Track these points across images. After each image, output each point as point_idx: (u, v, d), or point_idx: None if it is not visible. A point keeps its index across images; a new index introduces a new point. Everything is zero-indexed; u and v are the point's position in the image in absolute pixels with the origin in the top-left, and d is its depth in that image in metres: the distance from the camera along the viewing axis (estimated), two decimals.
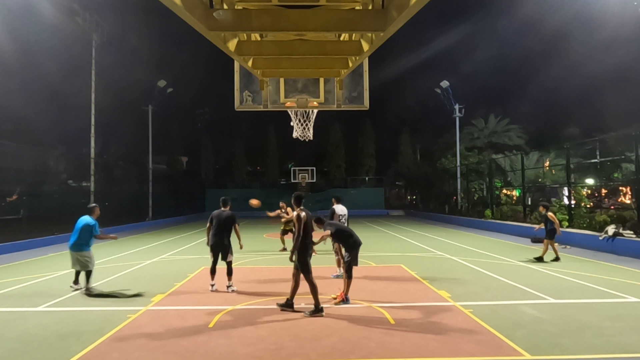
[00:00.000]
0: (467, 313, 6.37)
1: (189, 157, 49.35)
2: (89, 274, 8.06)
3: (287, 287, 8.15)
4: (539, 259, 11.21)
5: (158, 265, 11.27)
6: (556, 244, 11.60)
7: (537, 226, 12.59)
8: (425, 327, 5.77)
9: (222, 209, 8.14)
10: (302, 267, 6.46)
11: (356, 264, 7.15)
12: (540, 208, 12.19)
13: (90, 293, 7.87)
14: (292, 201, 6.83)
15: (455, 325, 5.84)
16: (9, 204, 17.21)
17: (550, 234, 11.26)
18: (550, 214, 11.48)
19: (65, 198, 20.12)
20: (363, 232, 20.79)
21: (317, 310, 6.34)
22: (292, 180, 39.38)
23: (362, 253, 13.00)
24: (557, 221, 11.50)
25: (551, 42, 49.58)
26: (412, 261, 11.47)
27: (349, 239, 7.19)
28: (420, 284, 8.55)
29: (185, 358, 4.81)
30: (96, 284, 8.78)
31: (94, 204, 8.61)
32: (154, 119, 30.67)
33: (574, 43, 41.37)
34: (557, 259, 11.19)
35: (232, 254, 8.05)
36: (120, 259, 12.50)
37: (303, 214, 6.49)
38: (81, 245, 7.96)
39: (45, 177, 19.57)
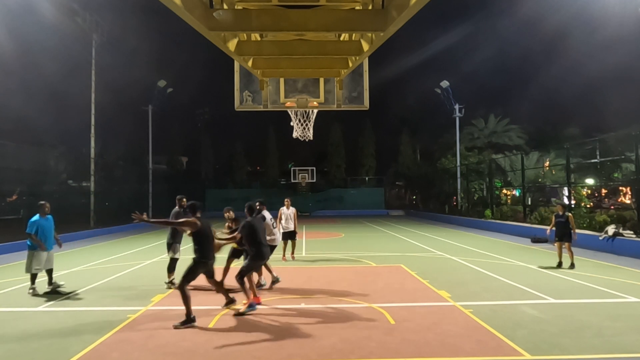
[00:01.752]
0: (467, 313, 6.37)
1: (189, 157, 49.35)
2: (32, 276, 7.94)
3: (287, 287, 8.18)
4: (571, 266, 10.10)
5: (158, 265, 11.25)
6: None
7: (548, 229, 11.22)
8: (425, 327, 5.77)
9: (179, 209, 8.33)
10: (186, 273, 6.09)
11: (257, 271, 6.88)
12: (559, 207, 10.82)
13: (33, 294, 7.79)
14: (188, 209, 6.52)
15: (455, 325, 5.84)
16: (9, 204, 17.22)
17: (570, 237, 10.23)
18: (571, 215, 10.50)
19: (65, 198, 20.12)
20: (363, 232, 20.81)
21: (189, 321, 5.88)
22: (292, 180, 39.37)
23: (362, 253, 13.18)
24: (575, 225, 10.43)
25: (551, 42, 49.71)
26: (412, 261, 11.47)
27: (260, 247, 6.80)
28: (420, 284, 8.55)
29: (185, 358, 4.81)
30: (96, 284, 8.80)
31: (41, 202, 8.33)
32: (154, 119, 30.69)
33: (574, 43, 41.43)
34: (560, 264, 10.29)
35: (174, 252, 8.42)
36: (120, 259, 12.50)
37: (199, 222, 6.17)
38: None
39: (45, 177, 19.58)
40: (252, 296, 6.68)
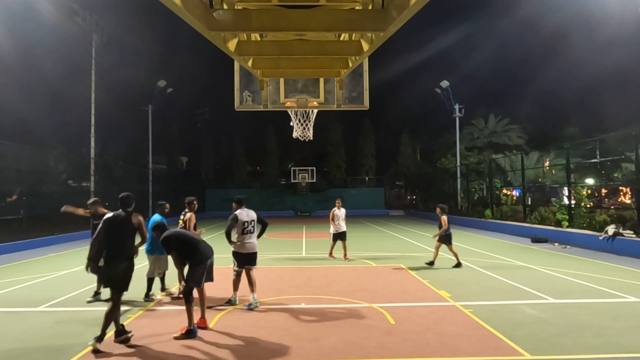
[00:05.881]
0: (467, 313, 6.37)
1: (189, 157, 49.40)
2: (148, 281, 7.54)
3: (287, 287, 8.17)
4: (430, 264, 10.43)
5: None
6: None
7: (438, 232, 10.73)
8: (425, 327, 5.77)
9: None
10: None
11: (199, 285, 5.67)
12: (437, 210, 10.80)
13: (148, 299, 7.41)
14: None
15: (455, 325, 5.84)
16: (9, 204, 17.21)
17: (447, 239, 10.41)
18: (444, 217, 10.40)
19: (65, 198, 20.07)
20: (363, 232, 20.78)
21: (100, 339, 5.04)
22: (292, 180, 39.39)
23: (362, 253, 13.17)
24: (447, 226, 10.40)
25: (551, 42, 49.58)
26: (412, 261, 11.47)
27: (195, 252, 5.74)
28: (420, 284, 8.55)
29: (185, 358, 4.81)
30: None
31: (162, 202, 7.84)
32: (154, 119, 30.69)
33: (573, 43, 41.39)
34: (458, 264, 10.28)
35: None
36: None
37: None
38: (146, 248, 7.46)
39: (45, 177, 19.58)
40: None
